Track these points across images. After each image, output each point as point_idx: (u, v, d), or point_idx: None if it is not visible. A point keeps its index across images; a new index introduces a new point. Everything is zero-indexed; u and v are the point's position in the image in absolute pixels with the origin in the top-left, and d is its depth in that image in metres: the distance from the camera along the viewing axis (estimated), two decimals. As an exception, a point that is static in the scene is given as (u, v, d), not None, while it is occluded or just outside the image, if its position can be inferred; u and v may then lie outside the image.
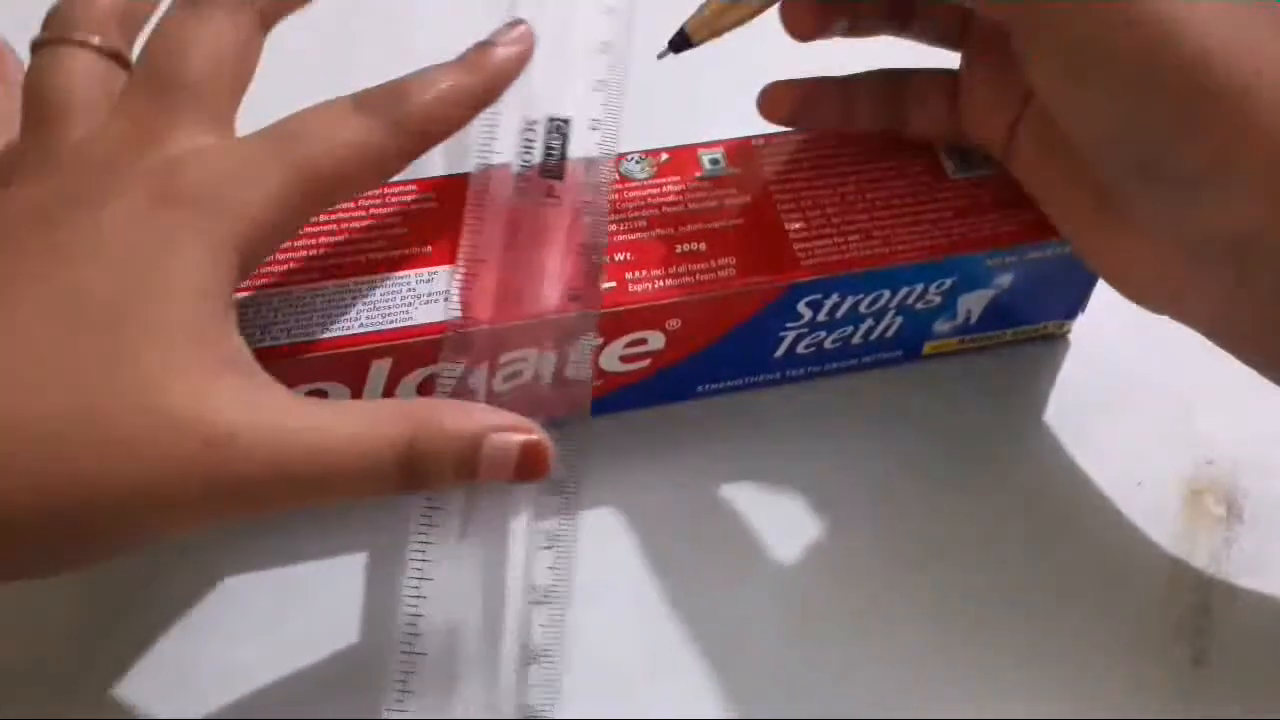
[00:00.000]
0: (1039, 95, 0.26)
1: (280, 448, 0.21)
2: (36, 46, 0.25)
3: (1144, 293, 0.27)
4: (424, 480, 0.23)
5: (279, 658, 0.28)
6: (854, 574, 0.29)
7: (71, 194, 0.23)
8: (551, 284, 0.27)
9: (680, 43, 0.28)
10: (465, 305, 0.27)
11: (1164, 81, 0.23)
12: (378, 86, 0.25)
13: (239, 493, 0.21)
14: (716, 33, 0.28)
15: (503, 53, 0.26)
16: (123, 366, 0.21)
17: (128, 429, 0.20)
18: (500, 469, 0.23)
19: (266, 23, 0.25)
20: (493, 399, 0.27)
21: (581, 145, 0.28)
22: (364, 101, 0.24)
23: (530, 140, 0.28)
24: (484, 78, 0.26)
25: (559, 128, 0.28)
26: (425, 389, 0.28)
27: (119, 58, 0.25)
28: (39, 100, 0.24)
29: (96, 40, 0.25)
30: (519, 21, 0.27)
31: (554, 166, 0.28)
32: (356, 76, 0.25)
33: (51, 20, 0.25)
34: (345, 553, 0.29)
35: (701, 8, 0.28)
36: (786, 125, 0.31)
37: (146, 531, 0.22)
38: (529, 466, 0.23)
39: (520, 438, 0.23)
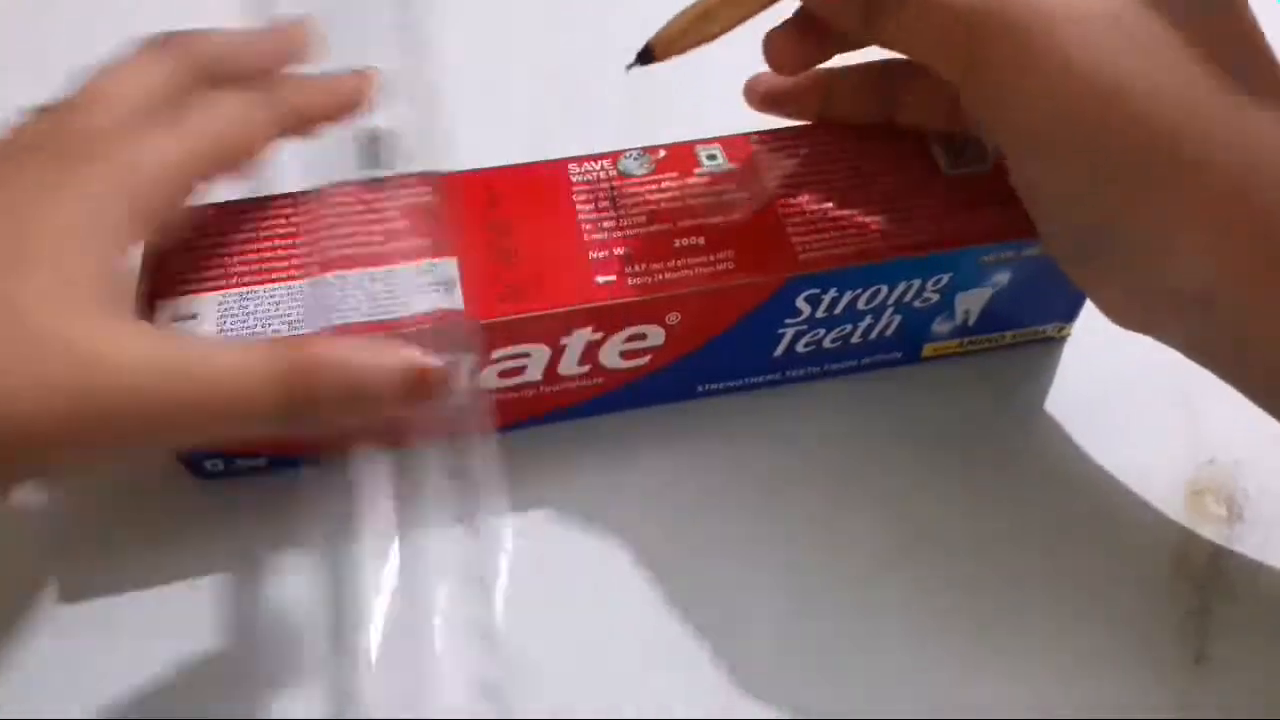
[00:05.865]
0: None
1: (150, 369, 0.22)
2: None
3: (1118, 317, 0.27)
4: (305, 401, 0.23)
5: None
6: (854, 574, 0.29)
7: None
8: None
9: (646, 57, 0.28)
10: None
11: (1113, 158, 0.24)
12: None
13: (107, 413, 0.22)
14: (681, 50, 0.28)
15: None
16: None
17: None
18: (385, 383, 0.24)
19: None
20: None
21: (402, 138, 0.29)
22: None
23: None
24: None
25: (372, 138, 0.29)
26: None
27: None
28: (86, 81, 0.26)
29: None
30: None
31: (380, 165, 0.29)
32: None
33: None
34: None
35: (667, 25, 0.28)
36: (770, 111, 0.31)
37: (21, 458, 0.22)
38: (417, 383, 0.24)
39: (402, 350, 0.24)
